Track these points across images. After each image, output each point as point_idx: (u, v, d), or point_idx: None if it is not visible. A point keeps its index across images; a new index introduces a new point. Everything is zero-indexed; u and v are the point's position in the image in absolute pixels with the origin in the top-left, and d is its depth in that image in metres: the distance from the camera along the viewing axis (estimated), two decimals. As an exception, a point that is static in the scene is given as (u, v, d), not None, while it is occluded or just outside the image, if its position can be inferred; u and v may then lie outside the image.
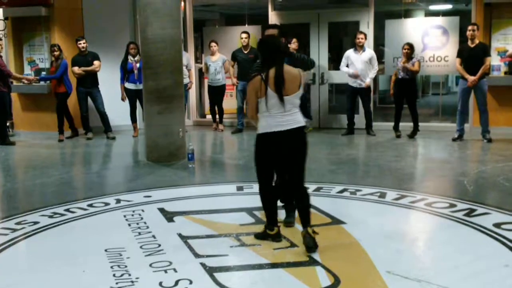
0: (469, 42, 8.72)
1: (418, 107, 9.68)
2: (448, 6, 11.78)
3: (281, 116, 4.07)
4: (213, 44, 10.48)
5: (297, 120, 4.15)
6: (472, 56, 8.61)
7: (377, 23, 10.56)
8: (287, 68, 4.13)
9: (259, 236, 4.34)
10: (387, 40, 10.41)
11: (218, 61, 10.43)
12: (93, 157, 8.73)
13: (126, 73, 9.92)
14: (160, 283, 3.48)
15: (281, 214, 4.66)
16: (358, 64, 9.59)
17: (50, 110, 10.13)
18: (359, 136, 9.73)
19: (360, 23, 10.50)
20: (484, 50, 8.66)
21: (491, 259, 3.84)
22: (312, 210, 4.99)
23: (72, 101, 10.38)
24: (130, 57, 9.88)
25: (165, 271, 3.68)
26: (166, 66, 7.40)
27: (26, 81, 9.86)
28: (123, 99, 10.03)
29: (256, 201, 5.06)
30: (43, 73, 10.18)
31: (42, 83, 10.12)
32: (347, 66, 9.69)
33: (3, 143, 9.38)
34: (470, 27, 8.69)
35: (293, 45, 9.24)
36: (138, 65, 9.74)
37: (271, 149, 4.14)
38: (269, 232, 4.29)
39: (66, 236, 4.62)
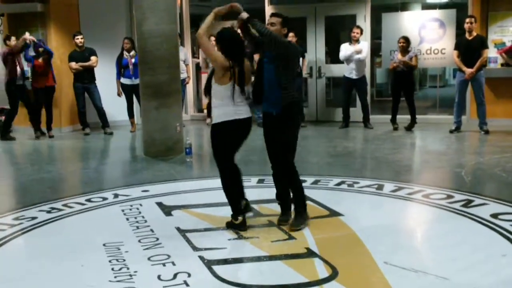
0: (467, 35, 8.72)
1: (416, 99, 9.70)
2: (444, -1, 11.78)
3: (240, 105, 4.27)
4: (212, 38, 10.44)
5: (249, 110, 4.37)
6: (469, 49, 8.60)
7: (374, 16, 10.56)
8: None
9: (228, 225, 4.42)
10: (384, 34, 10.40)
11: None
12: (90, 152, 8.73)
13: (122, 68, 9.91)
14: (159, 277, 3.48)
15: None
16: (354, 56, 9.60)
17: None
18: (356, 129, 9.74)
19: (356, 16, 10.50)
20: (481, 42, 8.66)
21: (488, 249, 3.84)
22: (310, 202, 5.04)
23: (69, 97, 10.38)
24: (125, 52, 9.86)
25: (164, 265, 3.69)
26: (162, 61, 7.39)
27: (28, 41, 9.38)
28: (119, 95, 10.02)
29: (254, 194, 5.09)
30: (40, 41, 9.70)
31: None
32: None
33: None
34: (467, 20, 8.69)
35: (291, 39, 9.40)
36: (133, 60, 9.73)
37: (229, 136, 4.30)
38: (234, 222, 4.36)
39: (64, 231, 4.62)
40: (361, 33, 9.71)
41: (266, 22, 4.54)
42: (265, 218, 4.60)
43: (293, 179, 4.46)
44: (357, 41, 9.63)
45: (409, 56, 9.17)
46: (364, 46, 9.67)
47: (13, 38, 9.48)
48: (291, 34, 9.79)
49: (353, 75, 9.65)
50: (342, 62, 10.03)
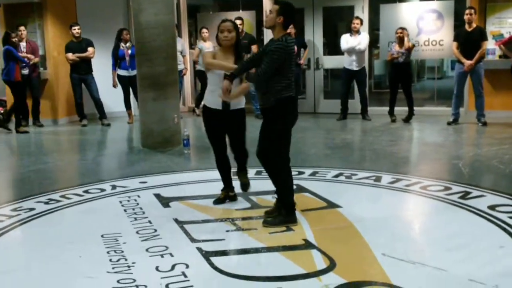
0: (466, 26, 8.70)
1: (414, 91, 9.70)
2: (443, -10, 11.73)
3: None
4: (204, 30, 10.43)
5: None
6: (469, 40, 8.59)
7: (372, 7, 10.53)
8: None
9: (218, 201, 4.88)
10: (382, 25, 10.39)
11: (210, 48, 10.41)
12: (88, 144, 8.71)
13: (118, 59, 9.87)
14: (157, 268, 3.48)
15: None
16: (355, 48, 9.59)
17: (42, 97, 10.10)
18: (354, 120, 9.74)
19: (355, 7, 10.48)
20: (481, 34, 8.64)
21: (486, 241, 3.85)
22: (307, 194, 5.05)
23: (66, 88, 10.35)
24: (121, 44, 9.82)
25: (162, 256, 3.69)
26: (160, 52, 7.36)
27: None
28: (114, 86, 10.00)
29: (252, 186, 5.07)
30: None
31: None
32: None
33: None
34: (467, 11, 8.67)
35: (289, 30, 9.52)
36: (129, 51, 9.70)
37: None
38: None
39: (62, 222, 4.62)
40: (361, 23, 9.69)
41: (264, 13, 4.50)
42: (263, 209, 4.60)
43: (277, 175, 4.28)
44: (357, 32, 9.61)
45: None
46: (364, 37, 9.64)
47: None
48: (290, 26, 9.84)
49: (354, 67, 9.64)
50: (340, 54, 10.02)
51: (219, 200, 4.90)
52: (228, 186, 4.94)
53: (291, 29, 9.74)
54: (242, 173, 4.86)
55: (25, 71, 9.51)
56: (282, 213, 4.30)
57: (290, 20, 4.24)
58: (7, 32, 9.35)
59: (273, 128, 4.19)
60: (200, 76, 10.66)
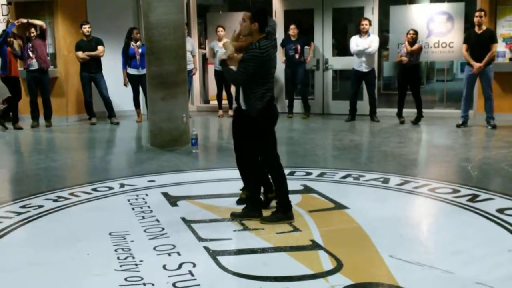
0: (476, 28, 8.65)
1: (423, 93, 9.66)
2: (453, -8, 11.69)
3: None
4: (220, 29, 10.43)
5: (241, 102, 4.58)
6: (479, 43, 8.54)
7: (381, 9, 10.51)
8: None
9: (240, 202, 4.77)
10: (392, 26, 10.36)
11: (224, 48, 10.43)
12: (97, 142, 8.75)
13: (128, 58, 9.90)
14: (164, 266, 3.49)
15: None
16: (365, 50, 9.58)
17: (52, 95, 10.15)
18: (362, 122, 9.72)
19: (364, 9, 10.45)
20: (491, 37, 8.60)
21: (494, 244, 3.84)
22: (315, 195, 5.05)
23: (75, 86, 10.40)
24: (132, 43, 9.86)
25: (169, 254, 3.70)
26: (169, 52, 7.38)
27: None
28: (125, 85, 10.03)
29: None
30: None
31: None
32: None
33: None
34: (477, 13, 8.63)
35: (291, 31, 10.05)
36: (140, 50, 9.73)
37: None
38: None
39: (70, 220, 4.64)
40: (370, 24, 9.67)
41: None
42: (270, 210, 4.60)
43: (274, 174, 4.43)
44: (366, 33, 9.59)
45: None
46: (374, 40, 9.62)
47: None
48: (292, 26, 10.00)
49: (363, 68, 9.62)
50: (349, 55, 10.00)
51: (241, 201, 4.83)
52: (247, 186, 4.88)
53: (293, 30, 9.94)
54: (244, 191, 4.86)
55: (35, 67, 9.55)
56: (280, 210, 4.35)
57: (265, 24, 4.28)
58: None
59: (260, 130, 4.26)
60: (218, 77, 10.61)
